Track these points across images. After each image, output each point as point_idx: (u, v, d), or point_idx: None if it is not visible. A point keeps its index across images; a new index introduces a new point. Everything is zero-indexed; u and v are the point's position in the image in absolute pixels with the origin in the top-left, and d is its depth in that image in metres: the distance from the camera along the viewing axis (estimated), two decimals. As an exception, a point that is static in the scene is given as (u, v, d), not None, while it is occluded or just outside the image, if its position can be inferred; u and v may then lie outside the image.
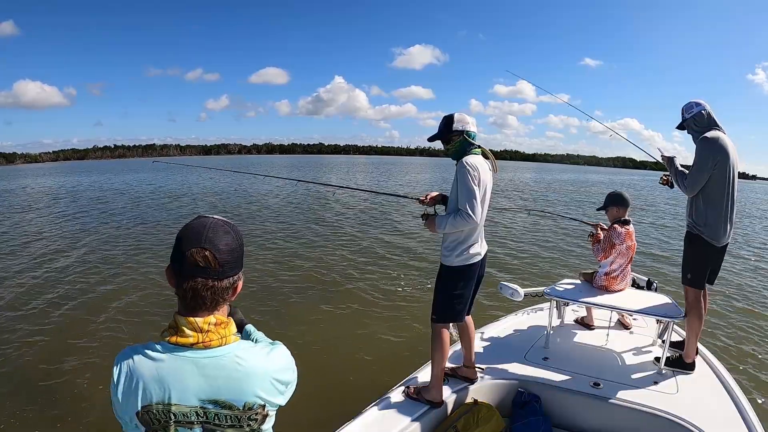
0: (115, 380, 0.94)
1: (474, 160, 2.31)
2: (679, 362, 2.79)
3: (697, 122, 2.71)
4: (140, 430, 0.94)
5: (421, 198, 2.61)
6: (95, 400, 3.48)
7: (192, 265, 0.92)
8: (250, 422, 0.97)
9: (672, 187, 3.09)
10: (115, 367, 0.94)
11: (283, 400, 1.04)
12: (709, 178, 2.61)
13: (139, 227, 11.18)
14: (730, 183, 2.62)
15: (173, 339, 0.94)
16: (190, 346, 0.93)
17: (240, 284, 1.00)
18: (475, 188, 2.25)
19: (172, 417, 0.93)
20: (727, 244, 2.74)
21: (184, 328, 0.94)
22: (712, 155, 2.58)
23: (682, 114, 2.79)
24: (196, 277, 0.92)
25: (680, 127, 2.83)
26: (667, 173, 3.01)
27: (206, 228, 0.94)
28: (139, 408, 0.92)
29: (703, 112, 2.69)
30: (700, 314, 2.77)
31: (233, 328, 1.00)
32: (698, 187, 2.66)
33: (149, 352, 0.94)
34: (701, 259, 2.74)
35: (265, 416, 0.99)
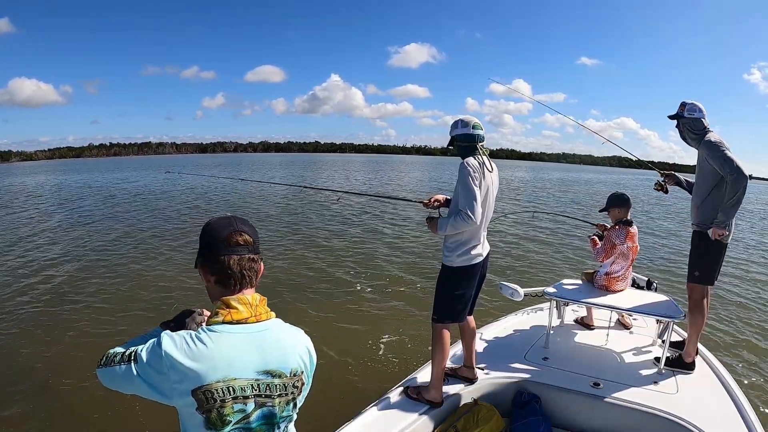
0: (169, 363, 0.95)
1: (476, 161, 2.31)
2: (679, 362, 2.80)
3: (694, 126, 2.80)
4: (191, 407, 0.97)
5: (425, 201, 2.61)
6: (91, 399, 3.45)
7: (236, 244, 1.06)
8: (294, 390, 1.09)
9: (667, 192, 3.22)
10: (163, 352, 0.96)
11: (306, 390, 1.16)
12: (720, 179, 2.68)
13: (122, 225, 11.14)
14: None
15: (228, 317, 1.02)
16: (245, 321, 1.03)
17: (263, 265, 1.14)
18: (476, 189, 2.25)
19: (231, 392, 0.98)
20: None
21: (237, 305, 1.04)
22: (725, 148, 2.64)
23: (682, 109, 2.84)
24: (242, 254, 1.06)
25: (673, 117, 2.89)
26: (662, 179, 3.12)
27: (230, 219, 1.11)
28: (196, 387, 0.96)
29: (703, 120, 2.79)
30: (703, 312, 2.81)
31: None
32: (739, 166, 2.58)
33: (204, 335, 0.99)
34: (711, 257, 2.78)
35: (303, 385, 1.12)
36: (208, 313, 1.15)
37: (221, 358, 0.98)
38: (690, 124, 2.81)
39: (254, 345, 1.03)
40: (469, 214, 2.23)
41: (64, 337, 4.64)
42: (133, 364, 0.99)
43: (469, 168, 2.27)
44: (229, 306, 1.04)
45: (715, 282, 2.86)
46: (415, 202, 2.89)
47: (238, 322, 1.03)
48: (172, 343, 0.97)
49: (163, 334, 1.00)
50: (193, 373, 0.95)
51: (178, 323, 1.17)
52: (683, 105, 2.84)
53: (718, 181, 2.69)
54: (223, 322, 1.02)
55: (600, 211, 3.31)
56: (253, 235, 1.11)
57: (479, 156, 2.35)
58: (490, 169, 2.36)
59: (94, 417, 3.30)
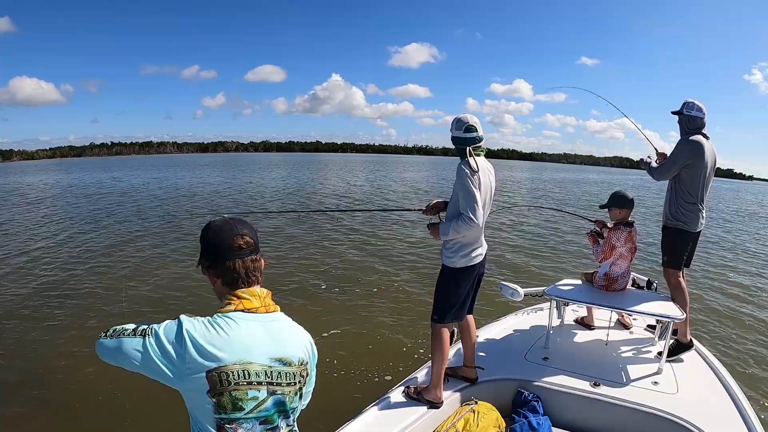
0: (189, 342, 0.99)
1: (474, 162, 2.30)
2: (679, 347, 2.92)
3: (690, 123, 2.98)
4: (202, 390, 0.99)
5: (424, 208, 2.64)
6: (91, 399, 3.46)
7: (239, 248, 1.10)
8: (301, 379, 1.14)
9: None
10: (185, 331, 0.99)
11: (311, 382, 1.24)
12: (684, 178, 2.95)
13: (121, 225, 11.15)
14: (703, 182, 2.96)
15: (240, 306, 1.07)
16: (255, 311, 1.09)
17: (264, 262, 1.19)
18: (475, 191, 2.25)
19: (246, 376, 1.02)
20: (700, 231, 3.10)
21: (249, 297, 1.09)
22: (685, 156, 2.93)
23: (683, 107, 3.02)
24: (245, 257, 1.11)
25: (675, 113, 3.08)
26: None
27: (230, 222, 1.14)
28: (212, 368, 0.99)
29: (698, 119, 2.96)
30: (683, 293, 3.03)
31: None
32: (667, 176, 3.04)
33: (220, 320, 1.04)
34: (677, 245, 3.09)
35: (307, 376, 1.17)
36: None
37: (239, 342, 1.02)
38: (686, 120, 3.00)
39: (268, 333, 1.08)
40: (471, 217, 2.23)
41: (63, 336, 4.64)
42: (147, 338, 1.01)
43: (467, 170, 2.27)
44: (239, 297, 1.09)
45: (690, 266, 3.22)
46: (415, 210, 2.94)
47: (249, 311, 1.08)
48: (192, 324, 1.02)
49: (182, 316, 1.04)
50: (211, 355, 0.99)
51: None
52: (685, 103, 3.03)
53: (675, 177, 3.00)
54: (236, 311, 1.07)
55: (600, 207, 3.28)
56: (253, 235, 1.14)
57: (475, 158, 2.34)
58: (488, 170, 2.37)
59: (95, 417, 3.30)
